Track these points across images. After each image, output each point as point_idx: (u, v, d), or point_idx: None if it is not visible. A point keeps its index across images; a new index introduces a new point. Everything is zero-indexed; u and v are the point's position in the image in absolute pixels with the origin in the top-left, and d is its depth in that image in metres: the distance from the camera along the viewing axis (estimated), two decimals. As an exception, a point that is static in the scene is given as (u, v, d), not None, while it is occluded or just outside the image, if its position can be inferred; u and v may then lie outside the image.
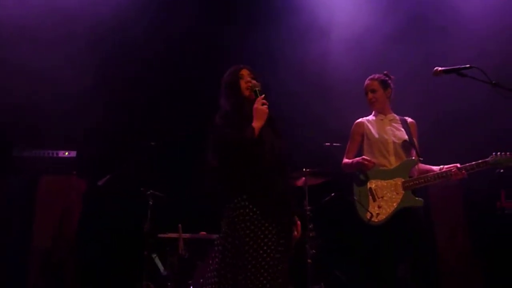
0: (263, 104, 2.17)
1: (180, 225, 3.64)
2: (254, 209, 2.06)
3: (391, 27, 4.46)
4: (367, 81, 3.06)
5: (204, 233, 3.77)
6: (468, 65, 2.40)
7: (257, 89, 2.24)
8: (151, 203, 3.80)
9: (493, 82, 2.29)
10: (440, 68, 2.45)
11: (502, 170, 2.82)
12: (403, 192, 2.82)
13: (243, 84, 2.30)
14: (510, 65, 3.69)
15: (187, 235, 3.67)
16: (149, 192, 3.83)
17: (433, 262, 2.85)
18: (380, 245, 2.77)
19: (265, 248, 2.00)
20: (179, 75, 4.77)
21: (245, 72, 2.34)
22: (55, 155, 4.12)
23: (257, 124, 2.14)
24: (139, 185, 3.89)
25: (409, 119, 3.05)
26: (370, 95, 3.02)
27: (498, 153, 2.71)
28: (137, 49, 4.65)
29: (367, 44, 4.52)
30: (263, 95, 2.22)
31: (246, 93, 2.28)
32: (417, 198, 2.81)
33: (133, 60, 4.64)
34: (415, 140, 2.98)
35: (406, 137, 2.93)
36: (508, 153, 2.70)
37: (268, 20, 4.79)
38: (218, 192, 2.26)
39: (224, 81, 2.36)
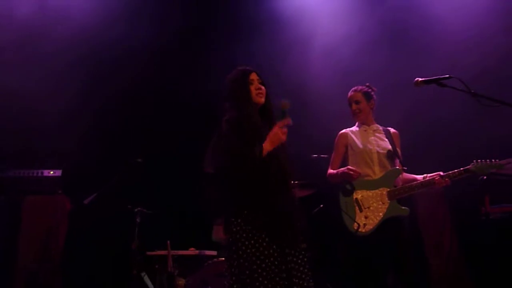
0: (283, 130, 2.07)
1: (168, 242, 3.61)
2: (258, 229, 2.00)
3: (369, 39, 4.56)
4: (350, 93, 3.11)
5: (193, 249, 3.74)
6: (447, 75, 2.47)
7: (286, 109, 2.08)
8: (138, 220, 3.76)
9: (472, 91, 2.36)
10: (420, 79, 2.51)
11: (485, 177, 2.87)
12: (389, 201, 2.85)
13: (253, 90, 2.19)
14: (485, 75, 3.78)
15: (176, 252, 3.63)
16: (136, 210, 3.79)
17: (421, 269, 2.87)
18: (368, 255, 2.79)
19: (270, 268, 1.96)
20: (165, 91, 4.78)
21: (254, 77, 2.23)
22: (40, 174, 4.06)
23: (268, 147, 2.05)
24: (126, 202, 3.86)
25: (392, 130, 3.11)
26: (354, 106, 3.07)
27: (479, 160, 2.77)
28: (123, 66, 4.64)
29: (346, 55, 4.58)
30: (289, 119, 2.07)
31: (256, 99, 2.18)
32: (402, 208, 2.84)
33: (119, 77, 4.63)
34: (398, 150, 3.02)
35: (389, 147, 2.97)
36: (488, 160, 2.76)
37: (248, 32, 4.83)
38: (215, 199, 2.21)
39: (232, 85, 2.22)
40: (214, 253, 3.73)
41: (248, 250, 1.97)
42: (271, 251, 1.98)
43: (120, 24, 4.65)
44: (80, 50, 4.53)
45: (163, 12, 4.90)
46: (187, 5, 4.99)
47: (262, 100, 2.20)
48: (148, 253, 3.70)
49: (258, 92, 2.18)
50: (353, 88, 3.12)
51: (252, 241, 1.98)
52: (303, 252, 2.07)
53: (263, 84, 2.23)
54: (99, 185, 3.83)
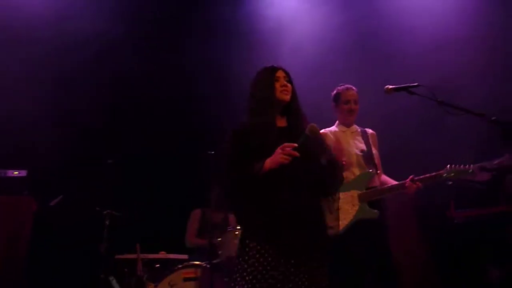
0: (286, 154, 1.89)
1: (138, 245, 3.54)
2: (266, 258, 1.84)
3: (342, 44, 4.62)
4: (350, 91, 3.03)
5: (163, 253, 3.68)
6: (416, 84, 2.53)
7: (308, 134, 1.95)
8: (107, 223, 3.67)
9: (439, 100, 2.42)
10: (390, 86, 2.56)
11: (451, 182, 2.94)
12: (359, 204, 2.87)
13: (277, 87, 2.09)
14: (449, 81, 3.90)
15: (146, 256, 3.57)
16: (105, 212, 3.70)
17: (392, 274, 2.92)
18: (340, 257, 2.81)
19: None
20: (137, 92, 4.70)
21: (281, 74, 2.13)
22: (3, 174, 3.91)
23: (268, 165, 1.90)
24: (95, 204, 3.77)
25: (369, 131, 3.10)
26: (354, 106, 3.01)
27: (452, 165, 2.82)
28: (93, 65, 4.55)
29: (314, 56, 4.64)
30: (301, 144, 1.90)
31: (281, 97, 2.08)
32: (373, 211, 2.86)
33: (89, 76, 4.54)
34: (376, 151, 3.04)
35: (367, 148, 2.99)
36: (461, 165, 2.82)
37: (216, 34, 4.82)
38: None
39: (257, 84, 2.13)
40: (185, 257, 3.69)
41: (248, 270, 1.83)
42: (274, 265, 1.83)
43: (95, 26, 4.56)
44: (48, 49, 4.41)
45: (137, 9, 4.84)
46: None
47: (287, 97, 2.09)
48: (117, 256, 3.62)
49: (283, 89, 2.08)
50: (349, 86, 3.04)
51: (252, 260, 1.84)
52: (315, 265, 1.89)
53: (290, 82, 2.13)
54: (67, 186, 3.74)
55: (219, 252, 3.53)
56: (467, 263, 3.61)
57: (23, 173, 3.93)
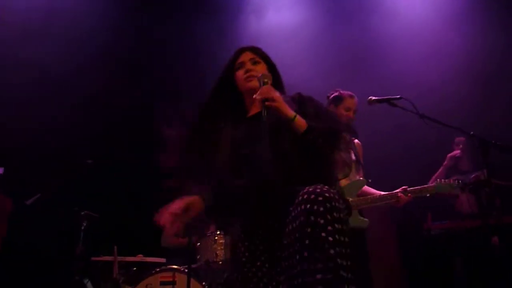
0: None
1: (115, 247, 3.48)
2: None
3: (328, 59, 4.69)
4: (354, 100, 2.97)
5: (141, 255, 3.63)
6: (398, 96, 2.58)
7: (265, 80, 1.71)
8: (84, 224, 3.60)
9: (420, 113, 2.48)
10: (373, 98, 2.61)
11: (428, 195, 3.00)
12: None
13: (240, 76, 1.82)
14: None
15: (123, 258, 3.51)
16: (83, 213, 3.63)
17: (365, 281, 2.94)
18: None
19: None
20: (117, 92, 4.66)
21: (245, 58, 1.83)
22: (-22, 171, 3.81)
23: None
24: (72, 204, 3.69)
25: (355, 140, 3.14)
26: (352, 115, 2.96)
27: (441, 180, 2.89)
28: (74, 65, 4.50)
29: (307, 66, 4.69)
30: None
31: (246, 86, 1.80)
32: (364, 219, 2.87)
33: (70, 75, 4.48)
34: (361, 161, 3.08)
35: (356, 158, 3.02)
36: (447, 180, 2.89)
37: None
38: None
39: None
40: (162, 260, 3.64)
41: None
42: (258, 254, 1.68)
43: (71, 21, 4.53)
44: (28, 49, 4.35)
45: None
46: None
47: (253, 84, 1.77)
48: (93, 258, 3.54)
49: (246, 76, 1.79)
50: (353, 94, 2.98)
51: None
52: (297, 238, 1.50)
53: (259, 62, 1.83)
54: (44, 185, 3.66)
55: (198, 257, 3.51)
56: (439, 274, 3.68)
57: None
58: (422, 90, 3.98)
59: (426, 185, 2.86)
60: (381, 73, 4.47)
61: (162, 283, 3.17)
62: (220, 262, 3.38)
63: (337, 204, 1.45)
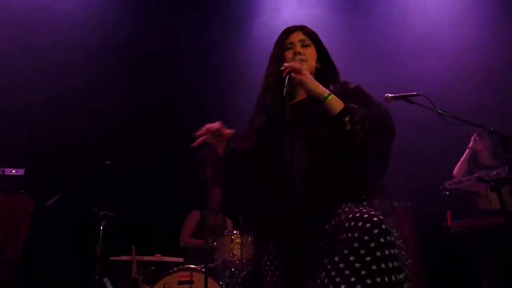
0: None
1: (134, 247, 3.52)
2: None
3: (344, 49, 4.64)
4: None
5: (159, 255, 3.66)
6: (415, 93, 2.54)
7: (290, 75, 1.53)
8: (103, 224, 3.65)
9: (438, 109, 2.43)
10: (390, 95, 2.57)
11: (447, 192, 2.95)
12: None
13: (288, 57, 1.66)
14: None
15: (141, 258, 3.55)
16: (102, 213, 3.68)
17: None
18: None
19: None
20: (138, 94, 4.72)
21: (295, 38, 1.68)
22: (0, 172, 3.89)
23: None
24: (92, 205, 3.75)
25: None
26: None
27: None
28: (92, 64, 4.56)
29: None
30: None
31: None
32: None
33: (92, 76, 4.55)
34: None
35: None
36: None
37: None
38: None
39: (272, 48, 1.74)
40: (180, 260, 3.67)
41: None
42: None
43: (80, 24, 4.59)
44: (51, 47, 4.42)
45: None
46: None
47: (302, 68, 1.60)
48: (112, 258, 3.59)
49: (295, 60, 1.62)
50: None
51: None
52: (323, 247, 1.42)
53: (310, 44, 1.68)
54: (64, 186, 3.72)
55: (215, 256, 3.52)
56: (460, 273, 3.61)
57: (21, 171, 3.91)
58: (439, 86, 3.91)
59: None
60: (397, 72, 4.41)
61: (180, 283, 3.20)
62: (237, 262, 3.39)
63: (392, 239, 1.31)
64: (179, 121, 4.70)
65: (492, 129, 2.43)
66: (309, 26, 1.77)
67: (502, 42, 4.23)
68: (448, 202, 3.22)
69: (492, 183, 3.01)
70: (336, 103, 1.47)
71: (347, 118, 1.42)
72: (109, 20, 4.76)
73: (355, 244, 1.30)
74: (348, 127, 1.41)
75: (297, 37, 1.70)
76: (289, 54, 1.68)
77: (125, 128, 4.62)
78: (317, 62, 1.71)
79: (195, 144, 1.59)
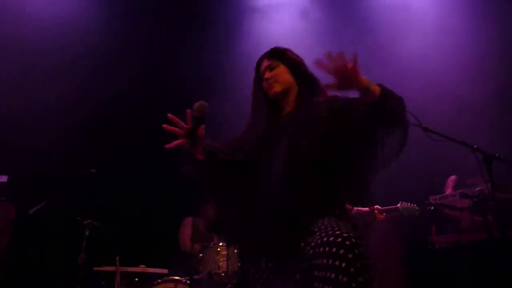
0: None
1: (117, 257, 3.47)
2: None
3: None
4: None
5: (143, 266, 3.62)
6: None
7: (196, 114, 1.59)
8: (87, 233, 3.60)
9: (423, 126, 2.47)
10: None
11: (432, 207, 3.01)
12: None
13: (264, 86, 1.80)
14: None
15: (125, 269, 3.50)
16: (86, 222, 3.63)
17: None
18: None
19: None
20: (123, 102, 4.69)
21: (263, 66, 1.82)
22: (-17, 179, 3.82)
23: None
24: (76, 214, 3.69)
25: None
26: None
27: (404, 202, 3.02)
28: (78, 71, 4.53)
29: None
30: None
31: (267, 93, 1.79)
32: None
33: (75, 83, 4.51)
34: None
35: None
36: (410, 203, 3.04)
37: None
38: None
39: None
40: (165, 271, 3.63)
41: None
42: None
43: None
44: (36, 52, 4.39)
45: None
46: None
47: (272, 91, 1.77)
48: (95, 268, 3.54)
49: (266, 86, 1.78)
50: None
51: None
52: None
53: (276, 66, 1.79)
54: (48, 194, 3.66)
55: (200, 268, 3.49)
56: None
57: (3, 178, 3.84)
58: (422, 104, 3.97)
59: (394, 206, 3.14)
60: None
61: (164, 295, 3.16)
62: (223, 274, 3.37)
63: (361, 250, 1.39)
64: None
65: (475, 146, 2.47)
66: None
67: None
68: (433, 217, 3.26)
69: (475, 199, 3.08)
70: (375, 86, 1.48)
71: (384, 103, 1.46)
72: (91, 28, 4.73)
73: (332, 275, 1.37)
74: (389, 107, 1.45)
75: (264, 64, 1.82)
76: (263, 84, 1.81)
77: (111, 137, 4.58)
78: (292, 75, 1.80)
79: (168, 146, 1.61)
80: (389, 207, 3.10)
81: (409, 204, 3.12)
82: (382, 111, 1.46)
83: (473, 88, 4.14)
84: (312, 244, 1.45)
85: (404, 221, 3.67)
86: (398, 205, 3.11)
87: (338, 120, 1.59)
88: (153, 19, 4.99)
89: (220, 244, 3.49)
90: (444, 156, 3.66)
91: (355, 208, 3.05)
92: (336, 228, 1.44)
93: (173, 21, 5.03)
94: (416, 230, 3.79)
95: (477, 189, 2.99)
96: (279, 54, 1.83)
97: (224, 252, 3.43)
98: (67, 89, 4.47)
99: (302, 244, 1.48)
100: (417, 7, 4.85)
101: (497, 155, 2.44)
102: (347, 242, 1.37)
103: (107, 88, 4.62)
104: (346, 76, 1.40)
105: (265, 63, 1.82)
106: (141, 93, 4.76)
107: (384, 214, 3.03)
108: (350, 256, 1.36)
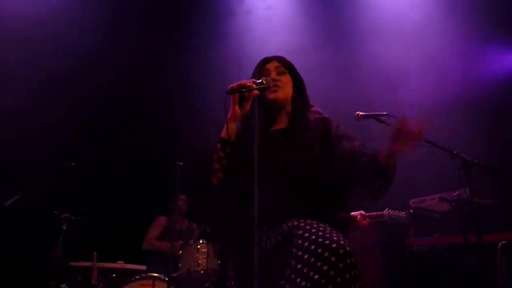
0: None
1: (95, 253, 3.41)
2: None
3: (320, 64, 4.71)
4: None
5: (121, 262, 3.56)
6: (385, 112, 2.59)
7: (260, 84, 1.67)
8: (64, 227, 3.51)
9: (406, 130, 2.49)
10: (361, 113, 2.62)
11: (412, 210, 3.05)
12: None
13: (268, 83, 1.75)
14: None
15: (102, 265, 3.44)
16: (63, 216, 3.54)
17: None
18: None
19: None
20: (102, 94, 4.61)
21: (271, 66, 1.80)
22: (-46, 171, 3.71)
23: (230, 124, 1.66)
24: (53, 207, 3.61)
25: None
26: None
27: (390, 210, 3.09)
28: (59, 65, 4.44)
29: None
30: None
31: (269, 96, 1.75)
32: None
33: (55, 76, 4.42)
34: None
35: None
36: (397, 211, 3.12)
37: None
38: None
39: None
40: (143, 267, 3.58)
41: None
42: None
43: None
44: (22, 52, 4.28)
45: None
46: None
47: (274, 95, 1.74)
48: (71, 263, 3.46)
49: (272, 85, 1.73)
50: None
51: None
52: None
53: (285, 72, 1.80)
54: (24, 186, 3.57)
55: (179, 265, 3.46)
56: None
57: (-22, 170, 3.75)
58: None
59: (380, 213, 3.13)
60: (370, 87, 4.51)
61: (142, 291, 3.13)
62: (202, 272, 3.35)
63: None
64: (144, 125, 4.64)
65: (455, 152, 2.51)
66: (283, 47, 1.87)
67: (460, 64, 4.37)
68: (413, 219, 3.31)
69: (453, 203, 3.13)
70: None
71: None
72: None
73: (316, 276, 1.40)
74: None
75: (273, 65, 1.81)
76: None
77: (90, 130, 4.51)
78: (293, 91, 1.82)
79: (231, 87, 1.63)
80: (375, 213, 3.11)
81: (396, 211, 3.14)
82: (386, 175, 1.62)
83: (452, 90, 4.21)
84: (306, 235, 1.50)
85: (388, 227, 3.71)
86: (384, 211, 3.13)
87: (326, 142, 1.71)
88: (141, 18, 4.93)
89: (200, 241, 3.47)
90: (424, 160, 3.71)
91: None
92: (327, 232, 1.50)
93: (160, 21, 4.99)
94: (393, 232, 3.84)
95: (456, 193, 3.05)
96: (288, 65, 1.84)
97: (205, 250, 3.41)
98: (45, 81, 4.38)
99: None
100: (390, 8, 4.86)
101: (476, 161, 2.47)
102: (341, 251, 1.41)
103: (87, 84, 4.57)
104: (409, 138, 1.49)
105: (276, 64, 1.81)
106: (121, 90, 4.71)
107: (368, 219, 3.05)
108: (340, 265, 1.40)
